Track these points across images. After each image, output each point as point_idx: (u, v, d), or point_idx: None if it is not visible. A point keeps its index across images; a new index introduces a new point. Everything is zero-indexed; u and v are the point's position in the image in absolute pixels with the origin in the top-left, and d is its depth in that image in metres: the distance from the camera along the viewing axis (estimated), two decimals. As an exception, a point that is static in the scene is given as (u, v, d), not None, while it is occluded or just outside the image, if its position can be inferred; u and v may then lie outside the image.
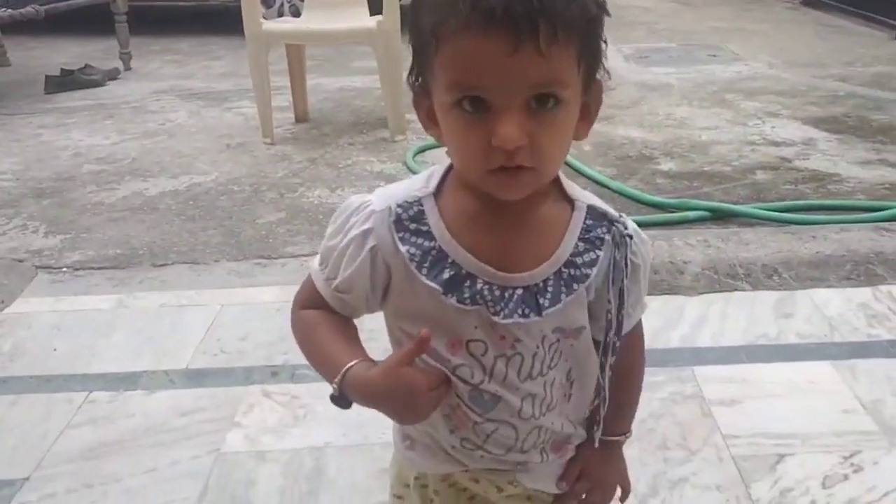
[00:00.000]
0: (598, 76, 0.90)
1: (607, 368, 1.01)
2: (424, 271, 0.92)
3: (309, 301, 1.04)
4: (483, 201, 0.91)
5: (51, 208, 3.31)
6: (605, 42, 0.88)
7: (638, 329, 1.08)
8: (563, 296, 0.93)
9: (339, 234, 0.97)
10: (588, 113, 0.91)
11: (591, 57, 0.86)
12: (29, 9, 5.06)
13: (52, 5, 5.19)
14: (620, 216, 0.98)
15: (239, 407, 2.06)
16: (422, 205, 0.94)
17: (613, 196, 3.17)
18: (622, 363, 1.04)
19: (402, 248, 0.93)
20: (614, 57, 5.42)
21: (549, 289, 0.93)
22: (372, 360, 0.97)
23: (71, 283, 2.74)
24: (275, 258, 2.83)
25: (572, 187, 0.98)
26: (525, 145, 0.82)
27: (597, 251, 0.95)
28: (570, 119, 0.87)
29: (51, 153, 3.98)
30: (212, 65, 5.66)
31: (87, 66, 5.32)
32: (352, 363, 0.95)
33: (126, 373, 2.21)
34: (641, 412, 1.92)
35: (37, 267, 2.83)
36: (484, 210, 0.92)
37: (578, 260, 0.94)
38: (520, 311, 0.92)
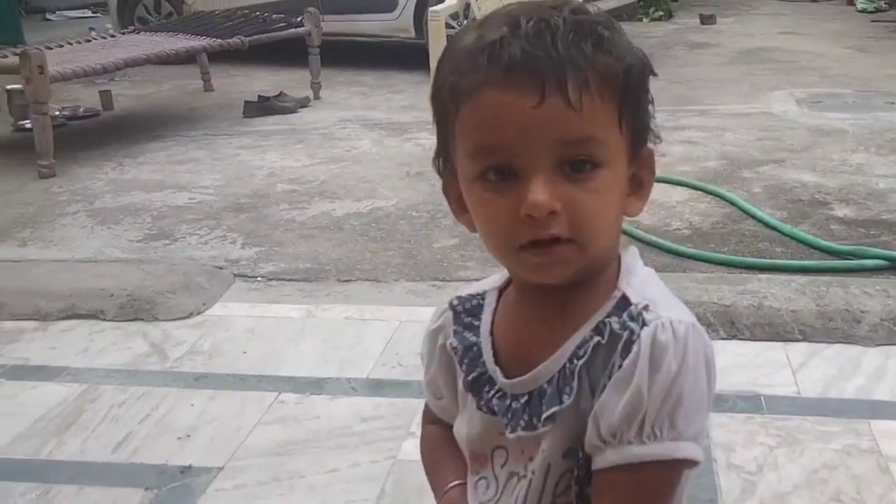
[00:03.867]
0: (648, 144, 0.76)
1: (573, 478, 0.76)
2: (464, 368, 0.82)
3: (428, 413, 0.98)
4: (525, 293, 0.79)
5: (248, 222, 3.52)
6: (652, 101, 0.76)
7: (638, 484, 0.73)
8: (564, 397, 0.74)
9: (424, 338, 0.91)
10: (640, 186, 0.77)
11: (634, 114, 0.73)
12: (235, 39, 5.41)
13: (255, 37, 5.53)
14: (642, 304, 0.74)
15: (415, 418, 2.11)
16: (483, 299, 0.85)
17: (784, 240, 3.06)
18: None
19: (449, 342, 0.84)
20: (786, 101, 5.23)
21: (549, 390, 0.75)
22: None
23: (265, 291, 2.90)
24: (449, 281, 2.89)
25: (626, 272, 0.78)
26: (559, 211, 0.69)
27: (596, 337, 0.74)
28: (614, 185, 0.72)
29: (248, 172, 4.24)
30: (394, 97, 5.86)
31: (281, 93, 5.63)
32: (452, 485, 0.90)
33: (312, 378, 2.32)
34: (813, 462, 1.85)
35: (235, 275, 3.02)
36: (524, 303, 0.80)
37: (580, 351, 0.74)
38: (523, 423, 0.76)
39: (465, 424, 0.83)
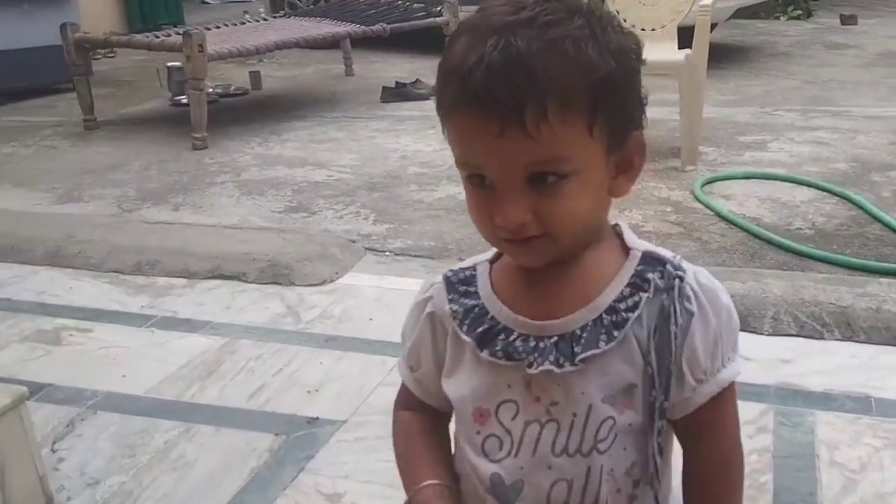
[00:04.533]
0: (638, 129, 0.80)
1: (655, 439, 0.81)
2: (465, 328, 0.86)
3: (401, 396, 1.01)
4: None
5: (380, 200, 3.65)
6: (641, 92, 0.80)
7: (722, 402, 0.86)
8: (601, 342, 0.79)
9: (409, 311, 0.96)
10: (629, 167, 0.81)
11: (610, 116, 0.76)
12: (378, 26, 5.57)
13: (396, 25, 5.68)
14: (677, 258, 0.83)
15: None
16: (475, 270, 0.90)
17: (911, 247, 2.93)
18: (701, 454, 0.86)
19: (448, 308, 0.88)
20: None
21: (585, 335, 0.80)
22: (447, 486, 0.90)
23: (392, 265, 3.01)
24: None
25: (633, 238, 0.85)
26: (528, 221, 0.75)
27: (641, 293, 0.80)
28: (584, 188, 0.76)
29: (382, 154, 4.38)
30: (522, 87, 5.90)
31: (417, 80, 5.76)
32: (424, 484, 0.91)
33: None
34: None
35: (366, 248, 3.15)
36: (524, 268, 0.84)
37: (622, 305, 0.80)
38: (551, 359, 0.80)
39: (467, 382, 0.86)
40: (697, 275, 0.82)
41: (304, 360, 2.36)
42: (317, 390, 2.21)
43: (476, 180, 0.78)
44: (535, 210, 0.75)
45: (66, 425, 2.08)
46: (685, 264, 0.83)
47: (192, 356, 2.40)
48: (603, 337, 0.80)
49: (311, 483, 1.83)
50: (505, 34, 0.72)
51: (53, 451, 1.97)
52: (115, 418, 2.10)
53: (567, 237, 0.78)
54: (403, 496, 1.69)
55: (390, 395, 2.18)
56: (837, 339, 2.35)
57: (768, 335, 2.40)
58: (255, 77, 6.14)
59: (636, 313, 0.80)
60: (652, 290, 0.80)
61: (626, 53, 0.77)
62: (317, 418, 2.08)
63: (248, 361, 2.36)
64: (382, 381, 2.24)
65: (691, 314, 0.80)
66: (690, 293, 0.80)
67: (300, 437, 2.01)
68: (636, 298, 0.80)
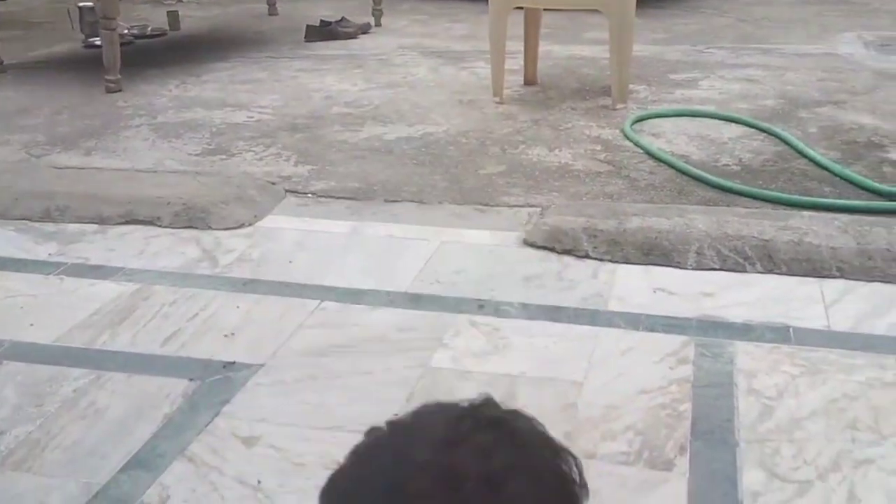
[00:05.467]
0: None
1: None
2: None
3: None
4: None
5: (302, 142, 3.59)
6: None
7: None
8: None
9: None
10: None
11: None
12: (300, -35, 5.42)
13: (319, -38, 5.53)
14: None
15: (447, 331, 2.18)
16: None
17: (834, 180, 3.01)
18: None
19: None
20: (854, 43, 5.06)
21: None
22: None
23: (314, 207, 2.97)
24: (492, 206, 2.92)
25: None
26: None
27: None
28: None
29: (305, 94, 4.29)
30: (453, 27, 5.84)
31: (343, 19, 5.64)
32: None
33: (353, 289, 2.40)
34: (834, 391, 1.87)
35: (286, 190, 3.09)
36: None
37: None
38: None
39: None
40: None
41: (221, 304, 2.32)
42: (233, 334, 2.18)
43: None
44: None
45: (-32, 376, 2.01)
46: None
47: (103, 303, 2.34)
48: None
49: (227, 427, 1.81)
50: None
51: (-46, 403, 1.91)
52: (21, 367, 2.04)
53: None
54: (322, 437, 1.67)
55: (311, 338, 2.19)
56: (759, 272, 2.41)
57: (692, 269, 2.44)
58: (174, 17, 5.94)
59: None
60: None
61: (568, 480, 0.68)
62: (233, 363, 2.05)
63: (162, 307, 2.31)
64: (302, 323, 2.22)
65: None
66: None
67: (216, 381, 1.98)
68: None
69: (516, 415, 0.64)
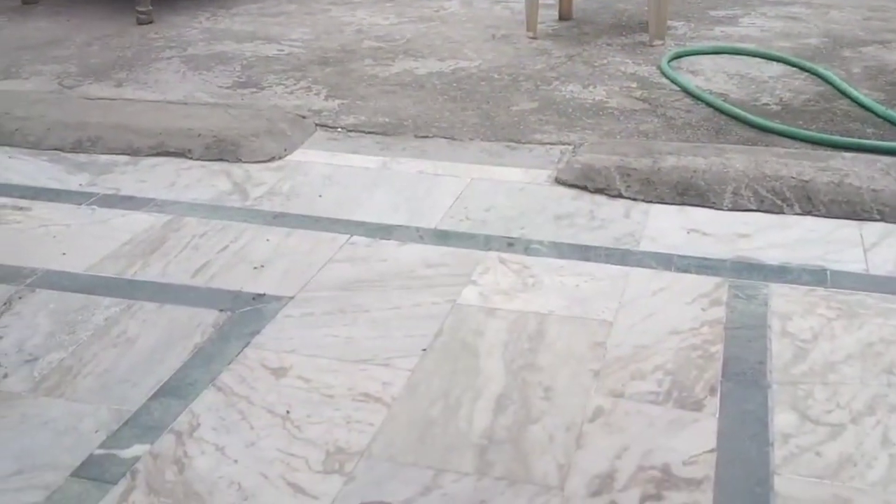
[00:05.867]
0: None
1: None
2: None
3: None
4: None
5: (332, 76, 3.54)
6: None
7: None
8: None
9: None
10: None
11: None
12: None
13: None
14: None
15: (476, 268, 2.16)
16: None
17: (877, 121, 2.92)
18: None
19: None
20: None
21: None
22: None
23: (344, 141, 2.94)
24: (524, 143, 2.87)
25: None
26: None
27: None
28: None
29: (337, 27, 4.23)
30: (487, -40, 5.70)
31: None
32: None
33: (383, 224, 2.38)
34: (871, 335, 1.83)
35: (316, 124, 3.06)
36: None
37: None
38: None
39: None
40: None
41: (251, 236, 2.31)
42: (263, 267, 2.17)
43: None
44: None
45: (3, 303, 2.03)
46: None
47: (134, 233, 2.34)
48: None
49: (257, 358, 1.82)
50: None
51: (-11, 329, 1.93)
52: (54, 296, 2.06)
53: None
54: (351, 369, 1.68)
55: (339, 272, 2.18)
56: (797, 214, 2.35)
57: (728, 210, 2.39)
58: (204, -52, 5.84)
59: None
60: None
61: None
62: (263, 295, 2.05)
63: (192, 238, 2.31)
64: (332, 257, 2.21)
65: None
66: None
67: (246, 313, 1.98)
68: None
69: None
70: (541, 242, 2.27)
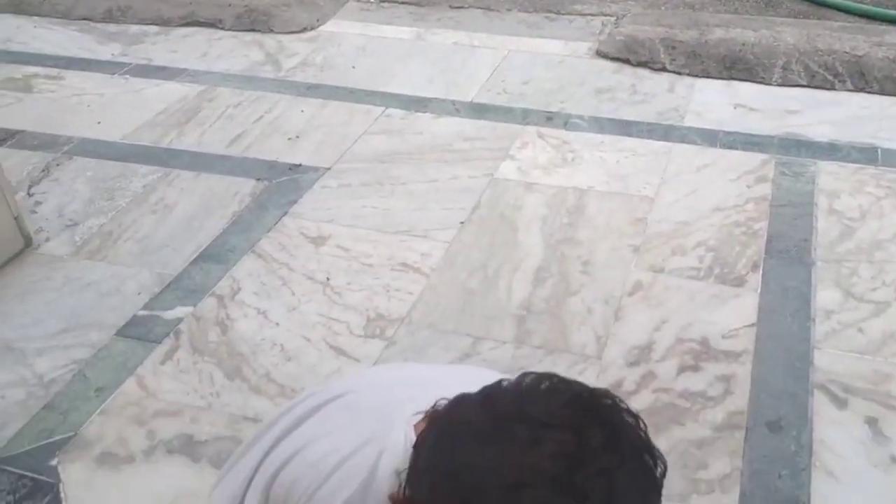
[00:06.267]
0: None
1: None
2: None
3: None
4: None
5: (366, -56, 3.40)
6: None
7: None
8: None
9: None
10: None
11: None
12: None
13: None
14: None
15: (514, 142, 2.11)
16: None
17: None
18: None
19: None
20: None
21: None
22: None
23: (377, 12, 2.85)
24: (563, 14, 2.77)
25: None
26: None
27: None
28: None
29: None
30: None
31: None
32: None
33: (418, 97, 2.32)
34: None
35: (349, -6, 2.97)
36: None
37: None
38: None
39: None
40: None
41: (285, 107, 2.28)
42: (298, 137, 2.14)
43: None
44: None
45: (42, 170, 2.03)
46: None
47: (168, 103, 2.31)
48: None
49: (295, 226, 1.81)
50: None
51: (30, 195, 1.94)
52: (91, 163, 2.05)
53: None
54: (389, 240, 1.67)
55: (375, 144, 2.15)
56: (849, 90, 2.27)
57: (777, 85, 2.31)
58: None
59: None
60: None
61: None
62: (299, 165, 2.03)
63: (227, 108, 2.28)
64: (367, 129, 2.18)
65: None
66: None
67: (282, 182, 1.96)
68: None
69: (627, 423, 0.62)
70: (581, 117, 2.21)
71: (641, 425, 0.63)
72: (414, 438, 0.69)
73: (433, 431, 0.65)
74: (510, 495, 0.58)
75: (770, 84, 2.30)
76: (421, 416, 0.70)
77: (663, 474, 0.63)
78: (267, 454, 0.78)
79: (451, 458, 0.62)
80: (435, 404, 0.67)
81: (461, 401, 0.65)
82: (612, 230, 1.80)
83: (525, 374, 0.64)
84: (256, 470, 0.78)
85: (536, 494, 0.58)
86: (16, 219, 1.72)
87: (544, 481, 0.58)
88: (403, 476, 0.66)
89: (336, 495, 0.70)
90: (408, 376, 0.89)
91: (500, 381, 0.65)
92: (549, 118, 2.21)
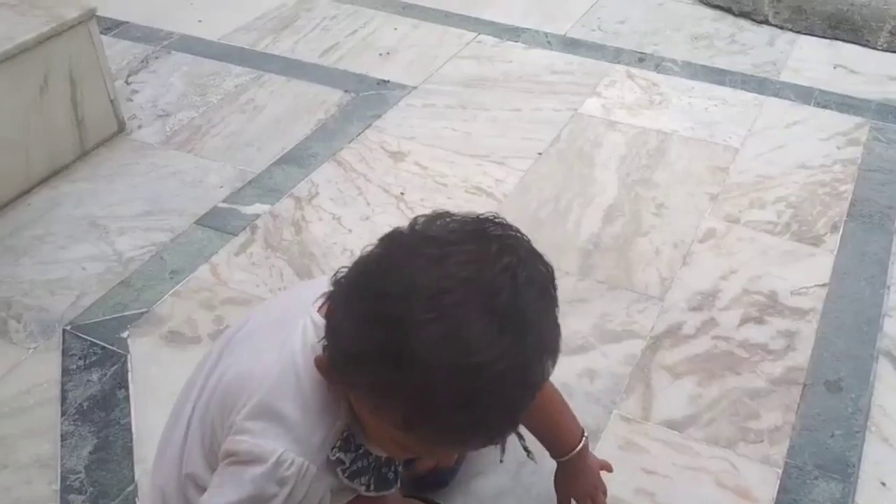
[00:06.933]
0: None
1: None
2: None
3: None
4: None
5: None
6: None
7: None
8: None
9: None
10: None
11: None
12: None
13: None
14: None
15: (602, 80, 2.04)
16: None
17: None
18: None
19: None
20: None
21: None
22: None
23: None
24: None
25: None
26: None
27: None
28: None
29: None
30: None
31: None
32: None
33: (512, 26, 2.26)
34: None
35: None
36: None
37: None
38: None
39: None
40: None
41: (380, 23, 2.24)
42: (389, 54, 2.11)
43: None
44: None
45: (141, 61, 2.05)
46: None
47: (268, 9, 2.30)
48: None
49: (376, 140, 1.79)
50: (515, 372, 0.65)
51: (128, 83, 1.96)
52: (188, 59, 2.06)
53: None
54: (466, 163, 1.64)
55: (464, 68, 2.10)
56: None
57: (881, 50, 2.16)
58: None
59: None
60: None
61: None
62: (387, 81, 2.00)
63: (322, 20, 2.25)
64: (457, 53, 2.13)
65: None
66: None
67: (369, 96, 1.94)
68: None
69: (516, 235, 0.70)
70: (674, 61, 2.12)
71: (526, 237, 0.71)
72: (321, 317, 0.74)
73: (342, 288, 0.70)
74: (433, 303, 0.63)
75: (875, 48, 2.16)
76: (321, 300, 0.76)
77: (553, 274, 0.71)
78: (195, 404, 0.82)
79: (367, 293, 0.67)
80: (335, 275, 0.72)
81: (363, 256, 0.70)
82: (691, 176, 1.73)
83: (415, 218, 0.70)
84: (188, 426, 0.82)
85: (455, 297, 0.63)
86: (112, 102, 1.75)
87: (459, 284, 0.63)
88: (321, 343, 0.72)
89: (273, 393, 0.74)
90: (296, 292, 0.96)
91: (394, 229, 0.70)
92: (641, 59, 2.13)
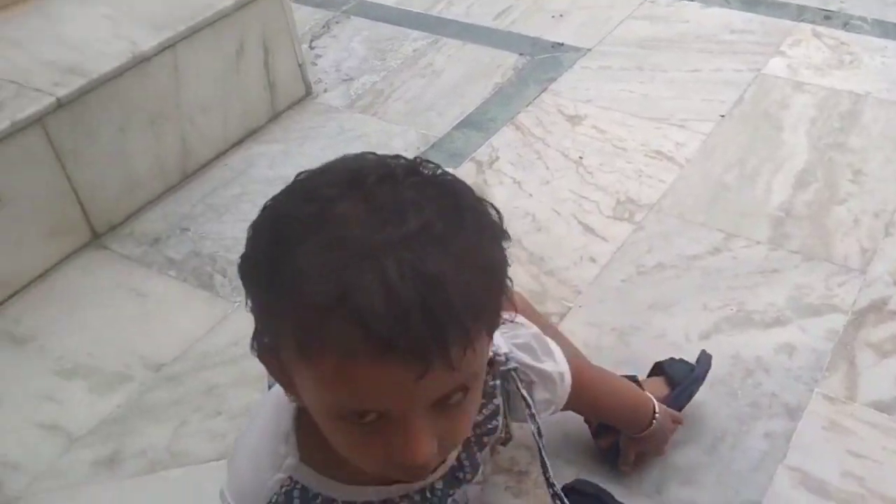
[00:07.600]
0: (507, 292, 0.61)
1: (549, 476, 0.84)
2: None
3: None
4: None
5: None
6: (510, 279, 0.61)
7: (572, 377, 0.87)
8: (478, 455, 0.79)
9: None
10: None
11: (500, 304, 0.59)
12: None
13: None
14: (498, 353, 0.78)
15: (786, 39, 1.89)
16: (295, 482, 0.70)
17: None
18: (586, 399, 0.94)
19: None
20: None
21: (465, 462, 0.78)
22: None
23: None
24: None
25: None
26: (435, 448, 0.59)
27: (493, 401, 0.79)
28: (478, 390, 0.63)
29: None
30: None
31: None
32: None
33: (688, -17, 2.13)
34: None
35: None
36: None
37: (479, 417, 0.77)
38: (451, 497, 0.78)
39: None
40: (515, 349, 0.81)
41: (552, -17, 2.17)
42: (562, 17, 2.04)
43: (355, 416, 0.57)
44: (440, 436, 0.59)
45: (323, 26, 2.07)
46: (504, 347, 0.80)
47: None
48: (476, 450, 0.79)
49: (554, 103, 1.74)
50: (402, 256, 0.52)
51: (311, 48, 1.98)
52: (367, 24, 2.07)
53: (459, 443, 0.71)
54: (645, 126, 1.56)
55: (639, 28, 2.00)
56: None
57: None
58: None
59: (499, 419, 0.80)
60: (499, 393, 0.79)
61: (502, 234, 0.61)
62: (562, 44, 1.93)
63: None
64: (632, 13, 2.03)
65: (532, 383, 0.83)
66: (525, 373, 0.81)
67: (544, 59, 1.88)
68: (492, 407, 0.79)
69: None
70: (863, 19, 1.94)
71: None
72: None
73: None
74: (306, 208, 0.56)
75: None
76: None
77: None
78: None
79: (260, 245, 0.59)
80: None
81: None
82: (890, 140, 1.58)
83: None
84: None
85: (338, 208, 0.55)
86: (300, 66, 1.77)
87: (336, 194, 0.56)
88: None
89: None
90: None
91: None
92: (828, 17, 1.96)
